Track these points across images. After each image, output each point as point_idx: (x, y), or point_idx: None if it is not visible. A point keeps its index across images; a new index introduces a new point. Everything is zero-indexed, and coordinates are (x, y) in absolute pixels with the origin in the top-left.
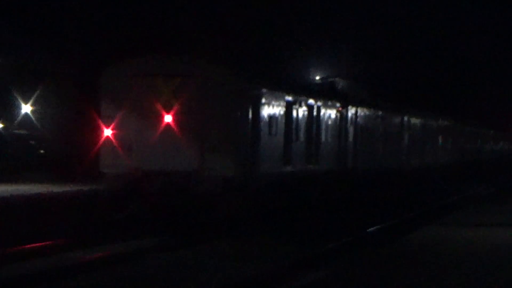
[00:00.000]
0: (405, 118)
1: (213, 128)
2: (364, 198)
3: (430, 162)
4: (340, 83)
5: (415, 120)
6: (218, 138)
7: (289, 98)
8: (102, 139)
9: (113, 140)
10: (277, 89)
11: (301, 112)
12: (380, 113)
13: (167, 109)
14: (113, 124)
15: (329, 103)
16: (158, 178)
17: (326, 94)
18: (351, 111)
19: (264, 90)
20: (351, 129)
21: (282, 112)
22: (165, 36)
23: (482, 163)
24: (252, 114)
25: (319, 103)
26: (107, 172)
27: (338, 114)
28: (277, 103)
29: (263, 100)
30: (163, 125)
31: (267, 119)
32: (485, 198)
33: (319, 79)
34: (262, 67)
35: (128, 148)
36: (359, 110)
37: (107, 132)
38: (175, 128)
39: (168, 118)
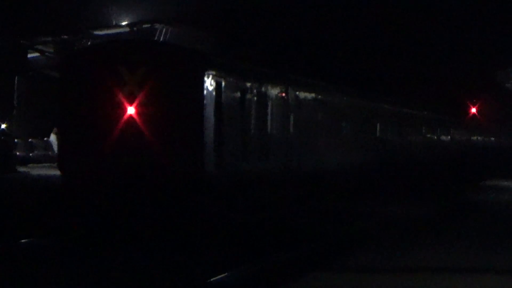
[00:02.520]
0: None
1: (178, 118)
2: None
3: (330, 165)
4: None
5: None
6: (184, 130)
7: (246, 84)
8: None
9: (74, 135)
10: (235, 75)
11: (254, 99)
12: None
13: (130, 100)
14: (75, 118)
15: (278, 88)
16: (119, 173)
17: (272, 76)
18: (293, 96)
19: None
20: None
21: (239, 100)
22: None
23: (418, 164)
24: (215, 101)
25: (270, 88)
26: (65, 169)
27: (282, 101)
28: (235, 90)
29: (224, 87)
30: (125, 117)
31: (227, 107)
32: (415, 223)
33: (127, 24)
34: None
35: (88, 141)
36: (301, 94)
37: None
38: (138, 120)
39: (131, 110)
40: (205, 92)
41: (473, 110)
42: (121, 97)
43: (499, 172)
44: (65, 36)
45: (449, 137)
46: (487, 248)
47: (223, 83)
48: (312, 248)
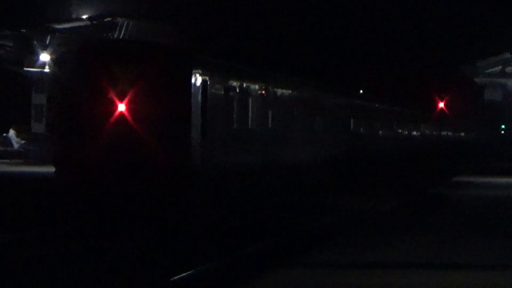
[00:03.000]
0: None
1: (167, 115)
2: None
3: (305, 158)
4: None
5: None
6: (173, 126)
7: (229, 82)
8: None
9: (67, 131)
10: (219, 73)
11: (236, 96)
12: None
13: (121, 98)
14: (66, 114)
15: (257, 85)
16: (109, 168)
17: (253, 73)
18: (272, 92)
19: (211, 75)
20: (271, 115)
21: (223, 97)
22: None
23: (388, 158)
24: (201, 101)
25: (251, 85)
26: (59, 163)
27: (261, 97)
28: (220, 88)
29: (210, 85)
30: (116, 114)
31: (212, 105)
32: (382, 217)
33: (88, 18)
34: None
35: (80, 136)
36: (279, 90)
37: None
38: (129, 117)
39: (121, 108)
40: (192, 90)
41: (441, 104)
42: (113, 95)
43: (468, 167)
44: (24, 30)
45: (419, 131)
46: (456, 243)
47: (208, 81)
48: (277, 243)
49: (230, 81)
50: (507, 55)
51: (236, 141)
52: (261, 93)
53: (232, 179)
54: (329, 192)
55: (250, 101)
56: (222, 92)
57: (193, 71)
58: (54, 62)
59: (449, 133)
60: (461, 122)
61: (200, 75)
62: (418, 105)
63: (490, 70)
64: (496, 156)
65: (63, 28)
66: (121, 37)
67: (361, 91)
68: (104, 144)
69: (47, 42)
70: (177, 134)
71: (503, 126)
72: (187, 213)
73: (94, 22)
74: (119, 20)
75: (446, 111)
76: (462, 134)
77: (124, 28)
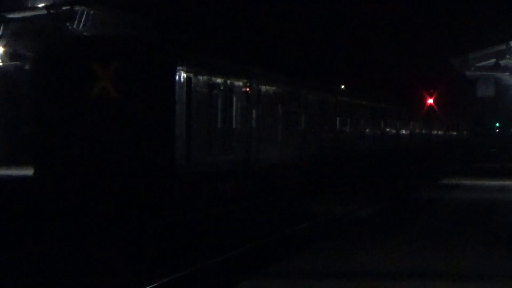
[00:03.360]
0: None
1: (150, 113)
2: None
3: (286, 157)
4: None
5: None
6: (156, 124)
7: (213, 79)
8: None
9: (49, 129)
10: (203, 70)
11: (220, 94)
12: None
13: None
14: (49, 113)
15: (240, 82)
16: (88, 168)
17: (236, 70)
18: (255, 90)
19: (195, 71)
20: (254, 113)
21: (207, 95)
22: None
23: (363, 158)
24: (186, 98)
25: (234, 82)
26: (37, 162)
27: (245, 95)
28: (204, 85)
29: (194, 82)
30: (99, 111)
31: (197, 102)
32: (362, 223)
33: (44, 7)
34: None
35: (59, 136)
36: (262, 88)
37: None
38: (111, 115)
39: (103, 104)
40: (176, 87)
41: (430, 101)
42: (94, 92)
43: (458, 168)
44: None
45: (406, 129)
46: (442, 249)
47: (192, 79)
48: (248, 251)
49: (214, 79)
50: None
51: (219, 140)
52: (245, 91)
53: (213, 179)
54: (306, 194)
55: (234, 99)
56: (206, 90)
57: (177, 68)
58: (33, 59)
59: (438, 131)
60: (451, 120)
61: (185, 72)
62: (406, 101)
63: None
64: (488, 157)
65: (18, 18)
66: (80, 27)
67: (343, 87)
68: (85, 143)
69: (0, 32)
70: (160, 132)
71: (497, 124)
72: (163, 216)
73: (51, 11)
74: (78, 9)
75: (435, 108)
76: (453, 132)
77: (83, 17)
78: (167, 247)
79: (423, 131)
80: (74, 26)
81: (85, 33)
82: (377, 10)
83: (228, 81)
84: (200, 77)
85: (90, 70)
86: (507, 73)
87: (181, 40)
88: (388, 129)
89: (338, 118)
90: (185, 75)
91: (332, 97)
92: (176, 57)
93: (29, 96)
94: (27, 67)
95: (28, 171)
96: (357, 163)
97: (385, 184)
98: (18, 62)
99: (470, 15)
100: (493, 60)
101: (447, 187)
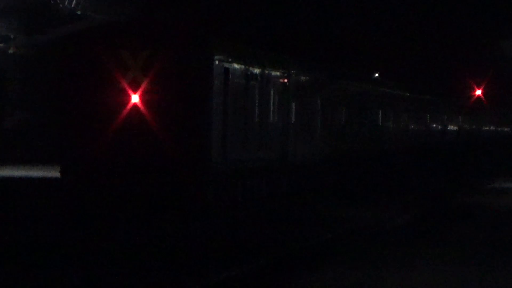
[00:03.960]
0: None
1: (185, 107)
2: None
3: (321, 156)
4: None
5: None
6: (192, 119)
7: (250, 70)
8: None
9: (74, 121)
10: (240, 60)
11: (256, 85)
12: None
13: (134, 88)
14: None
15: (278, 72)
16: (122, 163)
17: (273, 59)
18: (293, 80)
19: (231, 62)
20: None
21: (244, 86)
22: None
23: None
24: (223, 90)
25: (272, 72)
26: (66, 157)
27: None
28: (241, 76)
29: (231, 73)
30: (129, 106)
31: (234, 94)
32: (395, 232)
33: None
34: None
35: (90, 129)
36: (301, 78)
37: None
38: (143, 110)
39: (135, 99)
40: (213, 79)
41: (478, 92)
42: (125, 85)
43: (509, 169)
44: None
45: (450, 124)
46: (485, 263)
47: (230, 69)
48: (267, 264)
49: (251, 69)
50: None
51: (255, 136)
52: (283, 82)
53: (248, 176)
54: (339, 196)
55: (271, 91)
56: (243, 81)
57: (214, 58)
58: (57, 50)
59: (488, 126)
60: (503, 114)
61: (222, 62)
62: (450, 92)
63: None
64: None
65: None
66: (73, 5)
67: (376, 75)
68: (117, 140)
69: None
70: (195, 127)
71: None
72: (198, 215)
73: None
74: None
75: (484, 100)
76: (505, 128)
77: None
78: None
79: (471, 126)
80: (66, 3)
81: (78, 12)
82: None
83: (266, 71)
84: (237, 67)
85: (119, 59)
86: None
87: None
88: (433, 124)
89: (380, 111)
90: (222, 65)
91: (373, 88)
92: (213, 45)
93: (15, 81)
94: (11, 50)
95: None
96: (399, 162)
97: (427, 186)
98: (1, 44)
99: None
100: None
101: (497, 191)
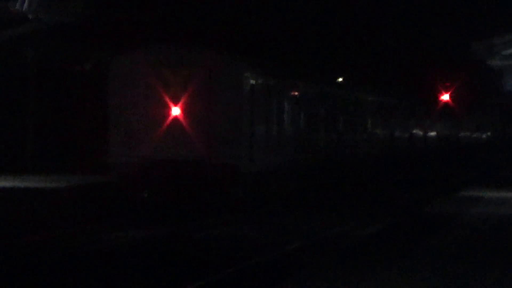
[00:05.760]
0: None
1: (219, 118)
2: None
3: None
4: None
5: None
6: (225, 128)
7: (270, 83)
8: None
9: (122, 130)
10: (264, 75)
11: (275, 98)
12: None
13: (175, 101)
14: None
15: (290, 83)
16: (166, 166)
17: (286, 72)
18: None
19: (263, 78)
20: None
21: (265, 99)
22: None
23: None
24: (254, 102)
25: (285, 84)
26: (115, 162)
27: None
28: (262, 89)
29: (256, 88)
30: (171, 117)
31: (257, 108)
32: (363, 244)
33: None
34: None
35: (137, 137)
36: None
37: (115, 121)
38: (183, 120)
39: (176, 111)
40: (243, 93)
41: (445, 96)
42: (166, 98)
43: (481, 177)
44: None
45: (418, 130)
46: (459, 276)
47: (255, 84)
48: (224, 279)
49: (271, 82)
50: None
51: (274, 142)
52: (294, 95)
53: (268, 178)
54: (302, 207)
55: (285, 104)
56: (265, 95)
57: (244, 75)
58: (109, 64)
59: (457, 132)
60: (473, 119)
61: (249, 78)
62: (419, 96)
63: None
64: None
65: None
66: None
67: (341, 79)
68: (161, 145)
69: None
70: (228, 134)
71: None
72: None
73: None
74: None
75: (451, 104)
76: (474, 134)
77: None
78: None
79: (441, 132)
80: (17, 6)
81: (29, 16)
82: None
83: (280, 84)
84: (260, 81)
85: (161, 75)
86: None
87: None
88: (395, 129)
89: (341, 117)
90: (249, 82)
91: (331, 90)
92: (243, 64)
93: None
94: None
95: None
96: (358, 170)
97: (396, 195)
98: None
99: None
100: None
101: (468, 199)
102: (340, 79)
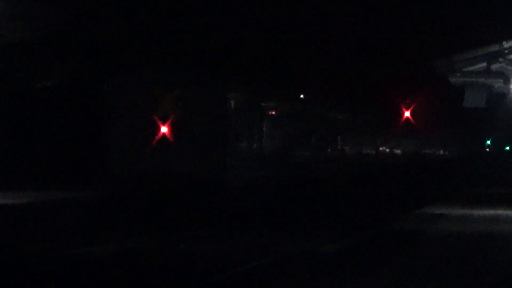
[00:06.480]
0: None
1: (205, 134)
2: None
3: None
4: None
5: None
6: (212, 145)
7: (249, 103)
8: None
9: (115, 147)
10: (243, 95)
11: (255, 117)
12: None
13: (164, 120)
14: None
15: (271, 103)
16: (161, 181)
17: (267, 92)
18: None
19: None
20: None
21: (248, 119)
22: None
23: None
24: (236, 121)
25: (264, 104)
26: (111, 176)
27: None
28: (244, 110)
29: (239, 108)
30: (160, 135)
31: (241, 126)
32: (324, 262)
33: None
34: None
35: (134, 153)
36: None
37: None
38: (171, 138)
39: (164, 129)
40: (227, 112)
41: (407, 113)
42: (156, 117)
43: (441, 194)
44: None
45: (379, 146)
46: None
47: (237, 103)
48: None
49: (252, 103)
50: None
51: (255, 158)
52: (272, 114)
53: (249, 191)
54: (270, 223)
55: (264, 121)
56: (246, 114)
57: (228, 95)
58: (104, 85)
59: (421, 149)
60: (436, 136)
61: (231, 98)
62: (384, 113)
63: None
64: (480, 179)
65: None
66: None
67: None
68: (152, 159)
69: None
70: (215, 151)
71: (488, 142)
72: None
73: None
74: None
75: (412, 121)
76: (438, 150)
77: None
78: None
79: (406, 149)
80: None
81: None
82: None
83: (259, 103)
84: (242, 101)
85: (151, 97)
86: (501, 80)
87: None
88: (357, 145)
89: (314, 135)
90: (232, 101)
91: (305, 108)
92: (227, 84)
93: None
94: None
95: None
96: (334, 185)
97: (357, 213)
98: None
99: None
100: (484, 64)
101: (430, 216)
102: (312, 98)
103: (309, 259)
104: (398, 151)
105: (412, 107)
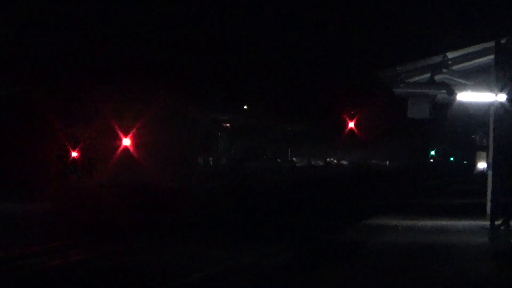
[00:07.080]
0: None
1: (171, 148)
2: None
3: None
4: None
5: None
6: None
7: (210, 117)
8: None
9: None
10: (204, 109)
11: (215, 132)
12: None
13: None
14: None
15: (225, 117)
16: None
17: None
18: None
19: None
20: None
21: (206, 133)
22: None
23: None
24: (198, 134)
25: (220, 118)
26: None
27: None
28: (205, 124)
29: (203, 122)
30: (122, 147)
31: (201, 140)
32: (269, 274)
33: None
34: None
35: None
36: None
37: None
38: (133, 150)
39: (126, 141)
40: (189, 126)
41: (351, 124)
42: (120, 130)
43: (385, 205)
44: None
45: (323, 157)
46: None
47: (198, 118)
48: None
49: (210, 118)
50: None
51: (213, 170)
52: (227, 127)
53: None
54: (219, 233)
55: (223, 135)
56: (206, 128)
57: (189, 108)
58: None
59: (368, 159)
60: (383, 147)
61: (192, 113)
62: (331, 125)
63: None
64: (424, 191)
65: None
66: None
67: (245, 107)
68: (128, 170)
69: None
70: (181, 163)
71: (432, 153)
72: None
73: None
74: None
75: (357, 132)
76: (382, 161)
77: None
78: None
79: (353, 160)
80: None
81: None
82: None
83: (217, 118)
84: (202, 115)
85: (116, 110)
86: (444, 91)
87: None
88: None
89: (266, 147)
90: (193, 116)
91: (258, 122)
92: (188, 100)
93: None
94: None
95: None
96: (283, 195)
97: (298, 224)
98: None
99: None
100: (427, 75)
101: (374, 228)
102: (264, 112)
103: (252, 272)
104: (345, 162)
105: (355, 118)
